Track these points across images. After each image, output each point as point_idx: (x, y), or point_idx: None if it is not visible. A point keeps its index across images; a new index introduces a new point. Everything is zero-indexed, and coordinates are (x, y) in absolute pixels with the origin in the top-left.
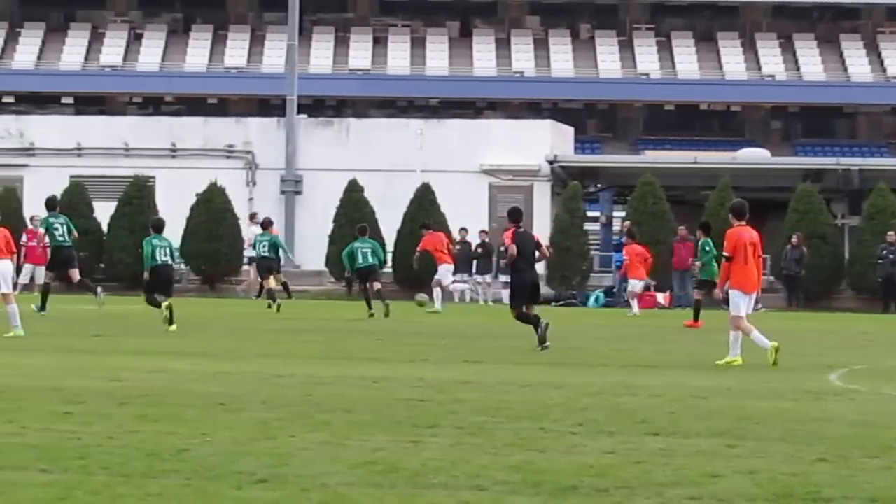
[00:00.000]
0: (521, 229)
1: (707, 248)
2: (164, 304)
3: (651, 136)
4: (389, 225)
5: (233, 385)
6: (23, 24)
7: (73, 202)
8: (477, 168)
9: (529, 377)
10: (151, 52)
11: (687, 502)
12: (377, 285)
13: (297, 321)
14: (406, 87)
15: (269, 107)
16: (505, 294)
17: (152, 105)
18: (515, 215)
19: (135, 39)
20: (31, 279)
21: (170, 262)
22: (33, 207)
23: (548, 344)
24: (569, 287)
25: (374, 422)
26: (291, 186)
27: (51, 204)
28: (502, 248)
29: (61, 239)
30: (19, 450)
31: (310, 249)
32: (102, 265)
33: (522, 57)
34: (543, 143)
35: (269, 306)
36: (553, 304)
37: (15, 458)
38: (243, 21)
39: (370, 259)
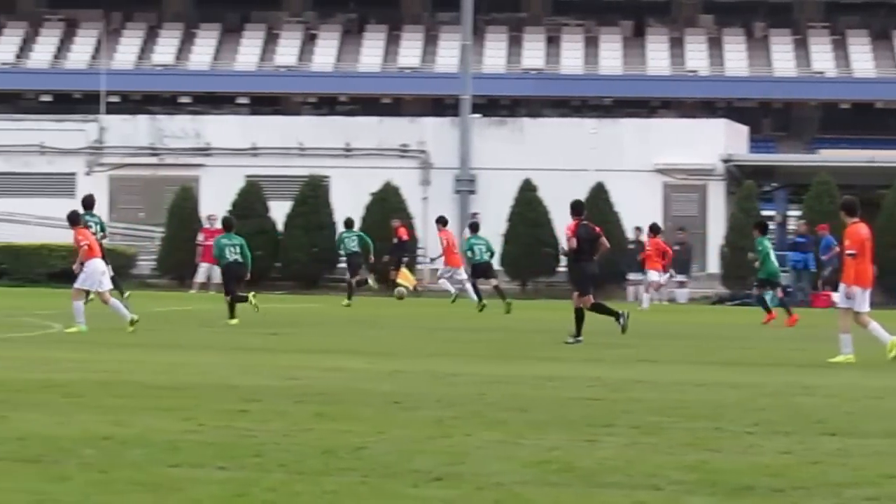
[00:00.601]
0: (584, 222)
1: (760, 248)
2: (252, 296)
3: (826, 134)
4: (563, 224)
5: (408, 383)
6: (199, 25)
7: (248, 201)
8: (651, 167)
9: (705, 377)
10: (326, 53)
11: (864, 503)
12: (494, 281)
13: (470, 319)
14: (580, 87)
15: (442, 106)
16: (679, 294)
17: (327, 105)
18: (578, 208)
19: (309, 40)
20: (208, 278)
21: (240, 259)
22: (209, 207)
23: (581, 339)
24: (744, 287)
25: (549, 421)
26: (465, 186)
27: (87, 203)
28: (565, 240)
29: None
30: (197, 447)
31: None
32: (279, 264)
33: (696, 56)
34: (718, 142)
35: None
36: (728, 303)
37: (193, 456)
38: (417, 21)
39: (485, 255)
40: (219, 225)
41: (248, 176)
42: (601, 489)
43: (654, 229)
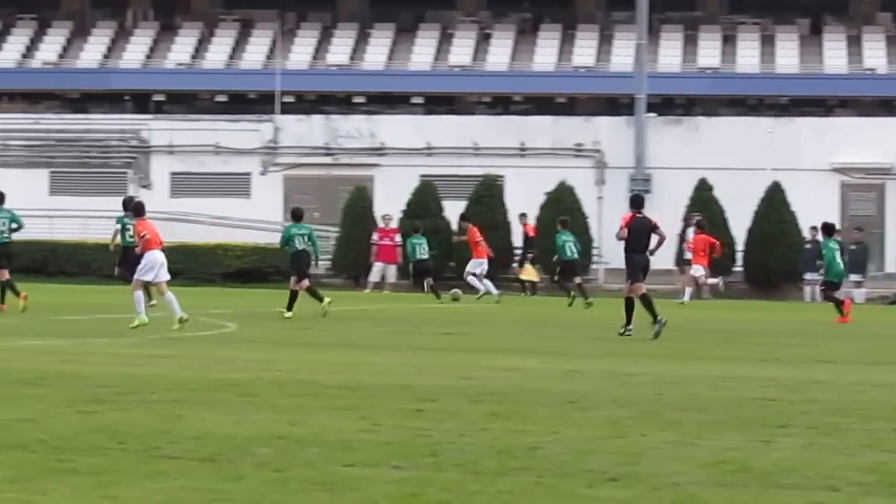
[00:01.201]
0: (640, 215)
1: (824, 251)
2: (326, 301)
3: None
4: (739, 223)
5: (583, 383)
6: (373, 25)
7: (423, 201)
8: (828, 166)
9: (884, 377)
10: (500, 52)
11: None
12: (578, 279)
13: (643, 320)
14: (755, 86)
15: (617, 106)
16: (856, 294)
17: (501, 104)
18: (636, 202)
19: (484, 39)
20: (382, 277)
21: (308, 248)
22: (384, 207)
23: (631, 329)
24: None
25: (724, 421)
26: (640, 185)
27: (127, 204)
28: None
29: (130, 239)
30: (372, 446)
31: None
32: (452, 264)
33: (874, 54)
34: None
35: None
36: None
37: (368, 455)
38: (591, 20)
39: (575, 252)
40: (394, 224)
41: (423, 176)
42: (777, 490)
43: (699, 225)
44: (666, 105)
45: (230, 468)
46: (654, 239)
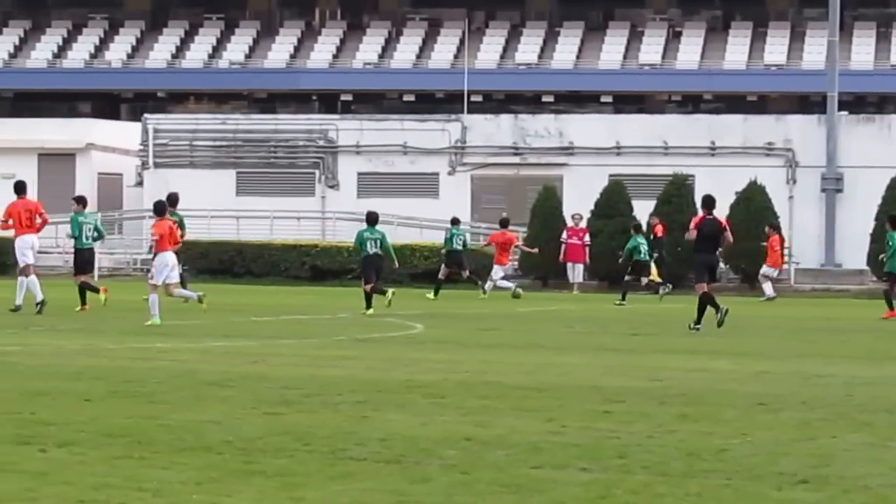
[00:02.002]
0: (711, 217)
1: (891, 242)
2: (390, 292)
3: None
4: None
5: (773, 385)
6: (562, 23)
7: (611, 201)
8: None
9: None
10: (690, 51)
11: None
12: (645, 280)
13: (835, 321)
14: None
15: (808, 104)
16: None
17: (691, 103)
18: (708, 203)
19: (674, 37)
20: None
21: (380, 252)
22: (572, 206)
23: (700, 326)
24: None
25: None
26: (832, 185)
27: (172, 200)
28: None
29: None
30: (560, 448)
31: (849, 248)
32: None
33: None
34: None
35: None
36: None
37: (555, 457)
38: (783, 18)
39: (645, 255)
40: (583, 224)
41: (612, 175)
42: None
43: (775, 227)
44: (858, 103)
45: (416, 470)
46: (723, 241)
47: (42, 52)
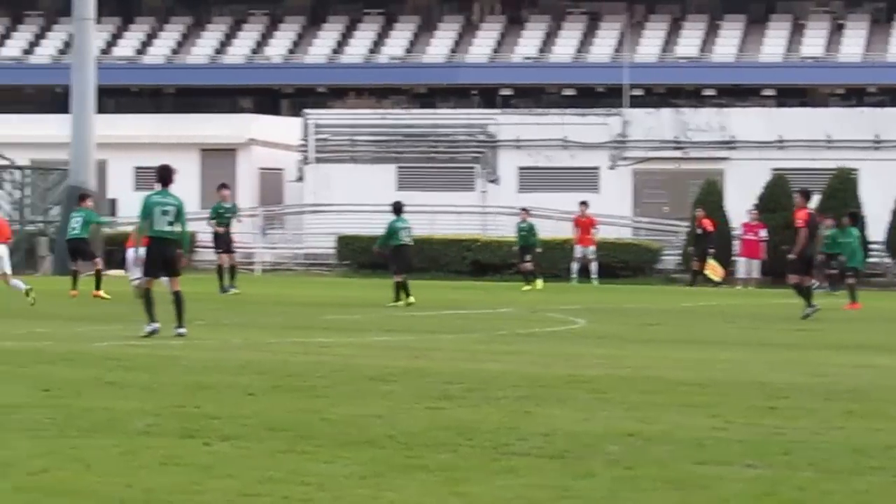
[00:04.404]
0: (812, 211)
1: (849, 239)
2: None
3: None
4: None
5: None
6: (723, 17)
7: (774, 195)
8: None
9: None
10: (854, 43)
11: None
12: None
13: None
14: None
15: None
16: None
17: (855, 96)
18: (808, 196)
19: (837, 30)
20: (748, 272)
21: (411, 243)
22: (734, 201)
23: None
24: None
25: None
26: None
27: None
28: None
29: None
30: (724, 444)
31: None
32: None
33: None
34: None
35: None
36: None
37: (719, 453)
38: None
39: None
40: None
41: (774, 169)
42: None
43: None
44: None
45: (580, 465)
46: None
47: (203, 49)
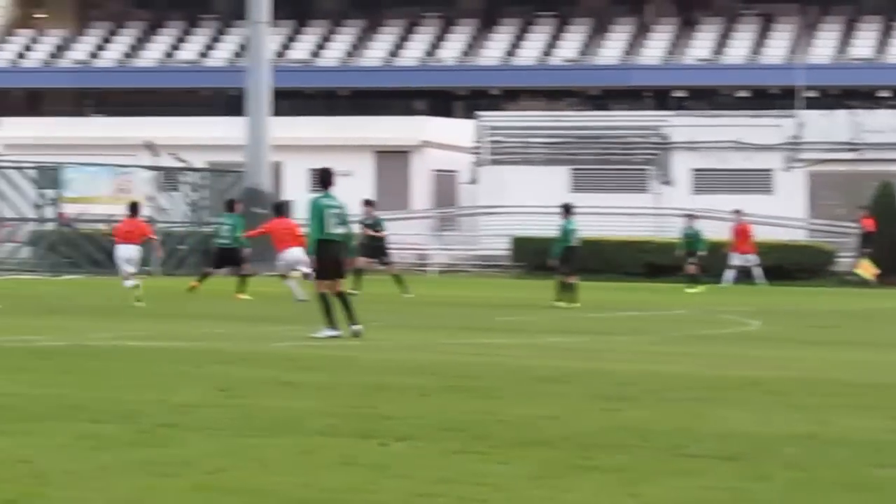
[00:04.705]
0: None
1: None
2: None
3: None
4: None
5: None
6: None
7: None
8: None
9: None
10: None
11: None
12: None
13: None
14: None
15: None
16: None
17: None
18: None
19: None
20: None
21: (580, 245)
22: None
23: None
24: None
25: None
26: None
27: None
28: None
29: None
30: None
31: None
32: None
33: None
34: None
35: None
36: None
37: None
38: None
39: None
40: None
41: None
42: None
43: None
44: None
45: (755, 467)
46: None
47: (377, 51)
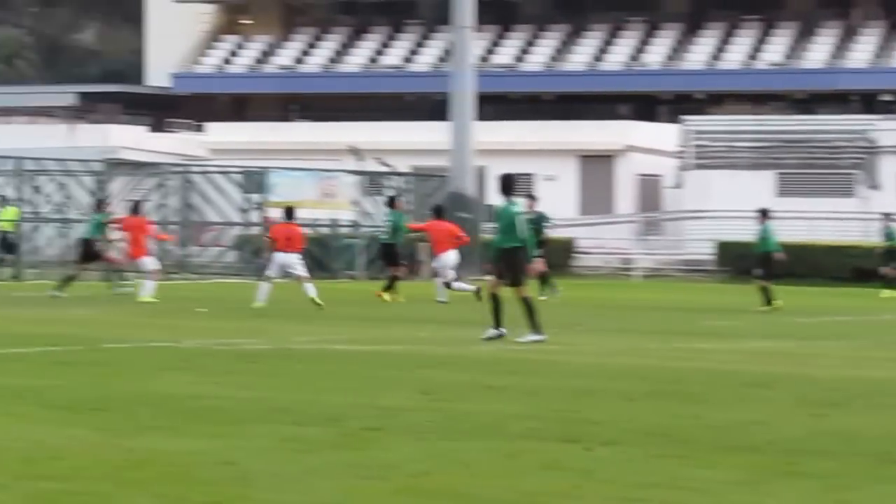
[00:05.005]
0: None
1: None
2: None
3: None
4: None
5: None
6: None
7: None
8: None
9: None
10: None
11: None
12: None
13: None
14: None
15: None
16: None
17: None
18: None
19: None
20: None
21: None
22: None
23: None
24: None
25: None
26: None
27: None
28: None
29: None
30: None
31: None
32: None
33: None
34: None
35: None
36: None
37: None
38: None
39: None
40: None
41: None
42: None
43: None
44: None
45: None
46: None
47: (581, 56)
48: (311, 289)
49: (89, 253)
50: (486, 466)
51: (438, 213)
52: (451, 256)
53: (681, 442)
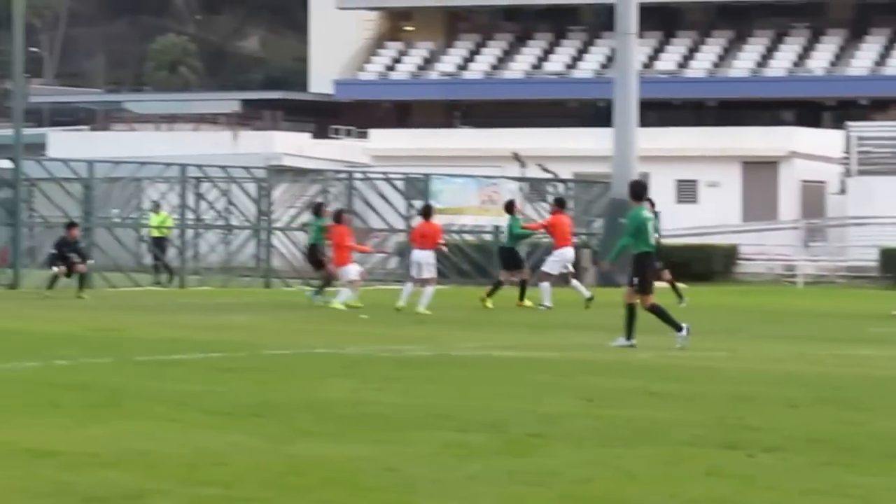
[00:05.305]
0: None
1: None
2: None
3: None
4: None
5: None
6: None
7: None
8: None
9: None
10: None
11: None
12: None
13: None
14: None
15: None
16: None
17: None
18: None
19: None
20: None
21: None
22: None
23: None
24: None
25: None
26: None
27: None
28: None
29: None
30: None
31: None
32: None
33: None
34: None
35: None
36: None
37: None
38: None
39: None
40: None
41: None
42: None
43: None
44: None
45: None
46: None
47: (745, 62)
48: (428, 293)
49: (315, 259)
50: (648, 473)
51: (560, 205)
52: (569, 252)
53: (845, 449)
